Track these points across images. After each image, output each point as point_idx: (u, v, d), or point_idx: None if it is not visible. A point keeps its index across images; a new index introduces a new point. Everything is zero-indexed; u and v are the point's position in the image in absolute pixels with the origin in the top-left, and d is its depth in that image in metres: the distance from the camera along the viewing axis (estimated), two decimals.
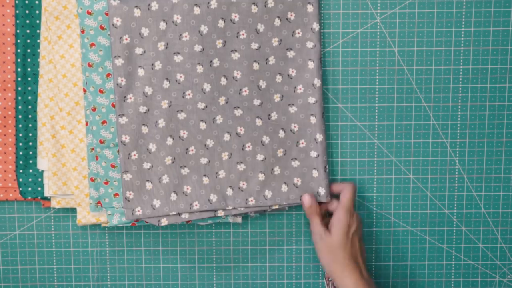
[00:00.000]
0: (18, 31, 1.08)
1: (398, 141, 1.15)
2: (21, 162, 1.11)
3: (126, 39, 1.03)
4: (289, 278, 1.19)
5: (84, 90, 1.06)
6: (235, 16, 1.05)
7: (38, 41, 1.09)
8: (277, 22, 1.07)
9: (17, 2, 1.07)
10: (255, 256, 1.19)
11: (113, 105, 1.05)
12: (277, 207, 1.10)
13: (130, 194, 1.07)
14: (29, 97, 1.10)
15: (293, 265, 1.19)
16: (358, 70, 1.12)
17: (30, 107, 1.10)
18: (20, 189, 1.12)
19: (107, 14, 1.03)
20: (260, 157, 1.09)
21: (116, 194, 1.08)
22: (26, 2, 1.07)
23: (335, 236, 1.06)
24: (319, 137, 1.10)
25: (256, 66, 1.07)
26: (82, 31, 1.04)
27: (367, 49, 1.12)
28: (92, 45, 1.04)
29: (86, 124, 1.07)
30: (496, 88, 1.14)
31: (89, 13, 1.03)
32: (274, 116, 1.09)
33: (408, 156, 1.15)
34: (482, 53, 1.13)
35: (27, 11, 1.07)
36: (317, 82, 1.08)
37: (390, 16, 1.12)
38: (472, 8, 1.12)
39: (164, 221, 1.10)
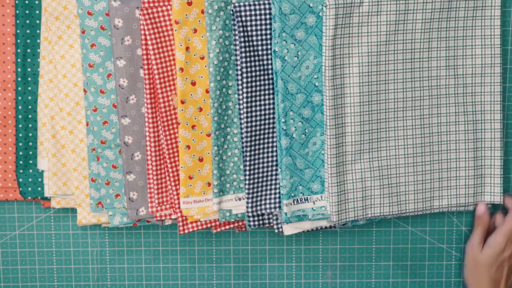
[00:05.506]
0: (18, 31, 1.07)
1: None
2: (21, 162, 1.11)
3: (128, 40, 1.03)
4: (289, 278, 1.20)
5: (85, 91, 1.06)
6: None
7: (38, 41, 1.08)
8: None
9: (17, 2, 1.07)
10: (255, 256, 1.19)
11: (114, 106, 1.05)
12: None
13: (133, 194, 1.07)
14: (29, 97, 1.10)
15: (293, 265, 1.19)
16: None
17: (30, 107, 1.10)
18: (20, 189, 1.12)
19: (107, 15, 1.03)
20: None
21: (117, 195, 1.08)
22: (26, 2, 1.07)
23: (484, 255, 1.08)
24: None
25: None
26: (83, 32, 1.03)
27: None
28: (92, 45, 1.04)
29: (87, 124, 1.07)
30: None
31: (89, 13, 1.03)
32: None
33: None
34: None
35: (27, 11, 1.07)
36: None
37: None
38: None
39: (168, 221, 1.10)
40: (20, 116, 1.10)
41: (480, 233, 1.10)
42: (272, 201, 1.07)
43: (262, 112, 1.05)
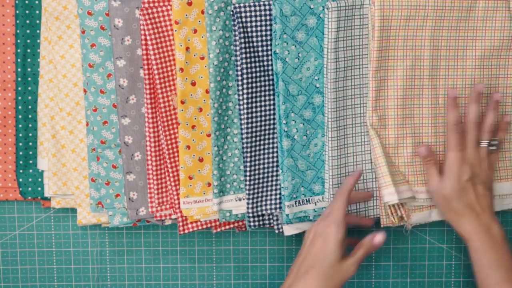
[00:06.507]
0: (18, 31, 1.07)
1: None
2: (21, 162, 1.11)
3: (128, 40, 1.03)
4: None
5: (85, 91, 1.06)
6: None
7: (38, 41, 1.08)
8: None
9: (17, 2, 1.07)
10: (255, 256, 1.19)
11: (114, 106, 1.05)
12: None
13: (133, 194, 1.07)
14: (29, 97, 1.09)
15: None
16: None
17: (30, 107, 1.10)
18: (20, 189, 1.12)
19: (107, 15, 1.03)
20: None
21: (117, 195, 1.08)
22: (26, 2, 1.07)
23: (446, 185, 1.03)
24: None
25: None
26: (83, 32, 1.03)
27: None
28: (92, 45, 1.04)
29: (87, 124, 1.07)
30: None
31: (89, 13, 1.03)
32: None
33: None
34: None
35: (27, 11, 1.07)
36: None
37: None
38: None
39: (168, 221, 1.10)
40: (20, 116, 1.09)
41: (435, 171, 1.04)
42: (273, 201, 1.08)
43: (262, 113, 1.05)
